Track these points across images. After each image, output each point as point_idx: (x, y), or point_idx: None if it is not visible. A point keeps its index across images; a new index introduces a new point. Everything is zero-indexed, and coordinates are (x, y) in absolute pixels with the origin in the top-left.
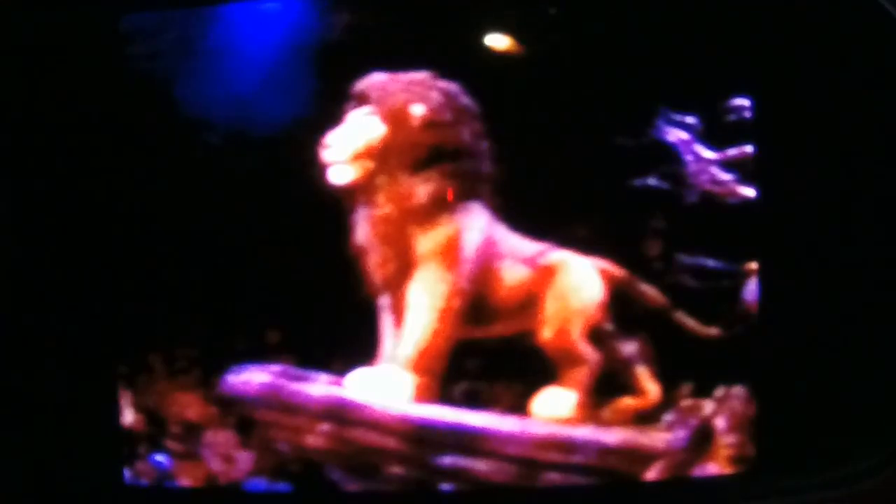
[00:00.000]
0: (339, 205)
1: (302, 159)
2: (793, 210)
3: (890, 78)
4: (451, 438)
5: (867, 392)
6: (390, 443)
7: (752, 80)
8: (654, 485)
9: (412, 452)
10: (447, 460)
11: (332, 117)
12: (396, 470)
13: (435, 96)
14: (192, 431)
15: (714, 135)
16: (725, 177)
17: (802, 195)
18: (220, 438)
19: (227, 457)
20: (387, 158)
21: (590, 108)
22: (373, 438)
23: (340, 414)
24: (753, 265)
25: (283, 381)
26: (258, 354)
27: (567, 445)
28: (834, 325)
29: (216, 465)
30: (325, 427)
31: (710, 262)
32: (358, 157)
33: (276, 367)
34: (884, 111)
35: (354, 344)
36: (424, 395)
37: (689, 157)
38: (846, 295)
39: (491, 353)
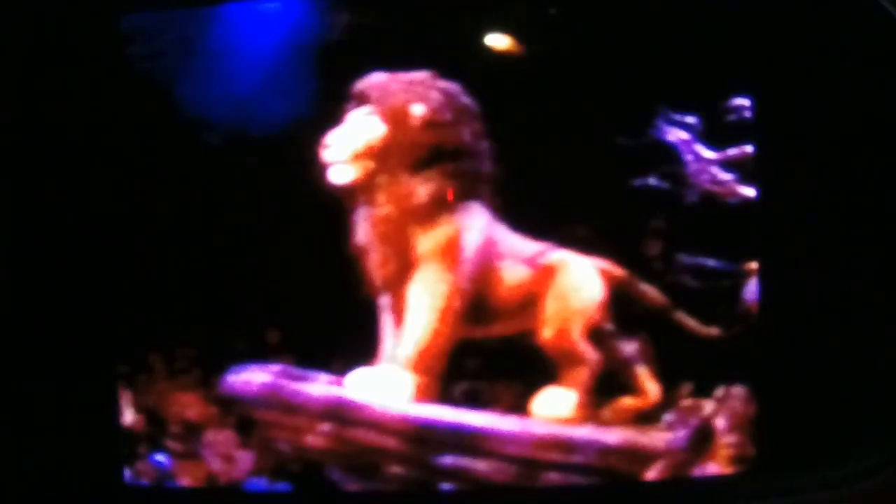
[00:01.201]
0: (339, 205)
1: (302, 159)
2: (793, 210)
3: (890, 78)
4: (451, 438)
5: (867, 392)
6: (390, 443)
7: (752, 80)
8: (654, 485)
9: (412, 452)
10: (447, 460)
11: (332, 117)
12: (396, 470)
13: (435, 96)
14: (192, 431)
15: (714, 135)
16: (725, 177)
17: (802, 195)
18: (220, 438)
19: (227, 457)
20: (387, 158)
21: (590, 108)
22: (373, 438)
23: (340, 414)
24: (753, 265)
25: (283, 381)
26: (258, 354)
27: (567, 445)
28: (834, 325)
29: (216, 465)
30: (325, 427)
31: (710, 262)
32: (358, 157)
33: (276, 367)
34: (884, 111)
35: (354, 344)
36: (424, 395)
37: (689, 157)
38: (846, 295)
39: (491, 353)
